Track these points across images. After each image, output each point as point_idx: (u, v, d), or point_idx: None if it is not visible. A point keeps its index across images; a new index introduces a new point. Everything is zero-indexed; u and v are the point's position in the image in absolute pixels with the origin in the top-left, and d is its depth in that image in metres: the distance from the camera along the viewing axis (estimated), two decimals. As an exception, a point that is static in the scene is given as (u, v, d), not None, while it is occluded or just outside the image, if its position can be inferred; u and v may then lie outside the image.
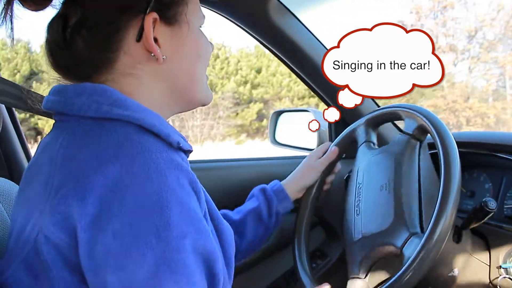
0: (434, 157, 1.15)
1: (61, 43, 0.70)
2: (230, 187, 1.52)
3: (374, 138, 1.16)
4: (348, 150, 1.54)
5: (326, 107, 1.58)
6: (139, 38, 0.69)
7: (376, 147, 1.13)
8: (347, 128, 1.22)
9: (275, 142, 1.85)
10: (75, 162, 0.62)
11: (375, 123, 1.17)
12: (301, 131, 1.77)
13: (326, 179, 1.20)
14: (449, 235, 0.93)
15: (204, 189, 0.76)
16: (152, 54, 0.70)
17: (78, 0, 0.69)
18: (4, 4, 0.68)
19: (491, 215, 0.96)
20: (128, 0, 0.69)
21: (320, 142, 1.64)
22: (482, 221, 0.99)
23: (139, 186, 0.57)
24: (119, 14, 0.69)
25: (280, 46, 1.39)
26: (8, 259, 0.67)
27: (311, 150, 1.68)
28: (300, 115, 1.79)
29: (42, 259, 0.62)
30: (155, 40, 0.70)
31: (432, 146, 0.99)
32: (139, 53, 0.70)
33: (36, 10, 0.71)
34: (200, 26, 0.78)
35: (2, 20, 0.68)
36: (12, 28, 0.70)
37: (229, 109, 14.02)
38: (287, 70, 1.52)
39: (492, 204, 0.94)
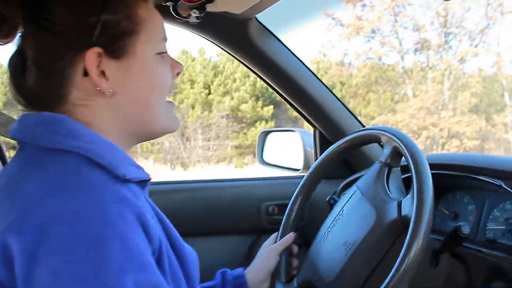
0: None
1: (18, 79, 0.71)
2: (211, 208, 1.51)
3: None
4: (329, 171, 1.54)
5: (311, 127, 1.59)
6: (85, 72, 0.69)
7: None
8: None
9: (262, 162, 1.85)
10: (21, 192, 0.62)
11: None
12: (288, 151, 1.77)
13: (292, 263, 1.15)
14: (425, 259, 0.92)
15: (164, 218, 0.74)
16: (98, 88, 0.70)
17: (29, 37, 0.70)
18: None
19: (468, 239, 0.95)
20: (72, 37, 0.68)
21: (306, 162, 1.64)
22: (458, 246, 0.97)
23: (80, 222, 0.57)
24: (64, 51, 0.69)
25: (262, 67, 1.39)
26: None
27: (297, 170, 1.68)
28: (287, 135, 1.79)
29: None
30: (104, 73, 0.70)
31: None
32: (88, 87, 0.70)
33: (4, 44, 0.72)
34: (162, 52, 0.76)
35: None
36: None
37: (227, 128, 13.23)
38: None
39: (466, 229, 0.93)
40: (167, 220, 0.74)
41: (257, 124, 12.98)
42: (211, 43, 1.32)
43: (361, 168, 1.53)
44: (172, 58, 0.80)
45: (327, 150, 1.22)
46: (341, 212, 1.07)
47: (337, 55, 14.83)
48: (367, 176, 1.07)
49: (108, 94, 0.70)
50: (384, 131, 1.06)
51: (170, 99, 0.81)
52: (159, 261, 0.67)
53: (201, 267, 0.81)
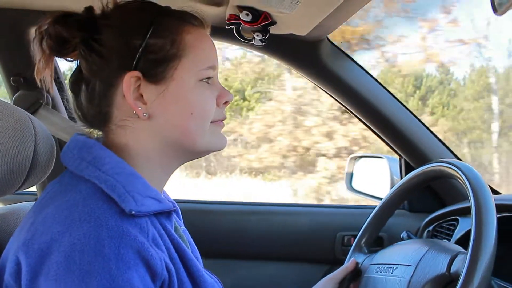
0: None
1: (76, 95, 0.75)
2: (285, 233, 1.47)
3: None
4: (401, 205, 1.41)
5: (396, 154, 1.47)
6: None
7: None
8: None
9: (351, 188, 1.75)
10: (40, 216, 0.65)
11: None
12: (376, 178, 1.65)
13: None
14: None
15: (183, 249, 0.72)
16: (134, 111, 0.71)
17: (83, 57, 0.73)
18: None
19: None
20: (115, 58, 0.70)
21: (393, 192, 1.51)
22: None
23: (75, 253, 0.59)
24: (107, 72, 0.71)
25: (338, 91, 1.33)
26: None
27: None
28: (375, 161, 1.68)
29: None
30: (142, 96, 0.71)
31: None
32: (126, 109, 0.72)
33: (72, 60, 0.76)
34: (207, 79, 0.75)
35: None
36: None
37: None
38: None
39: None
40: (187, 251, 0.73)
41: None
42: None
43: (452, 201, 1.37)
44: (222, 87, 0.79)
45: (400, 182, 1.12)
46: (394, 268, 0.94)
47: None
48: (427, 274, 0.85)
49: (144, 118, 0.71)
50: (456, 167, 0.90)
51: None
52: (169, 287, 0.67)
53: None
